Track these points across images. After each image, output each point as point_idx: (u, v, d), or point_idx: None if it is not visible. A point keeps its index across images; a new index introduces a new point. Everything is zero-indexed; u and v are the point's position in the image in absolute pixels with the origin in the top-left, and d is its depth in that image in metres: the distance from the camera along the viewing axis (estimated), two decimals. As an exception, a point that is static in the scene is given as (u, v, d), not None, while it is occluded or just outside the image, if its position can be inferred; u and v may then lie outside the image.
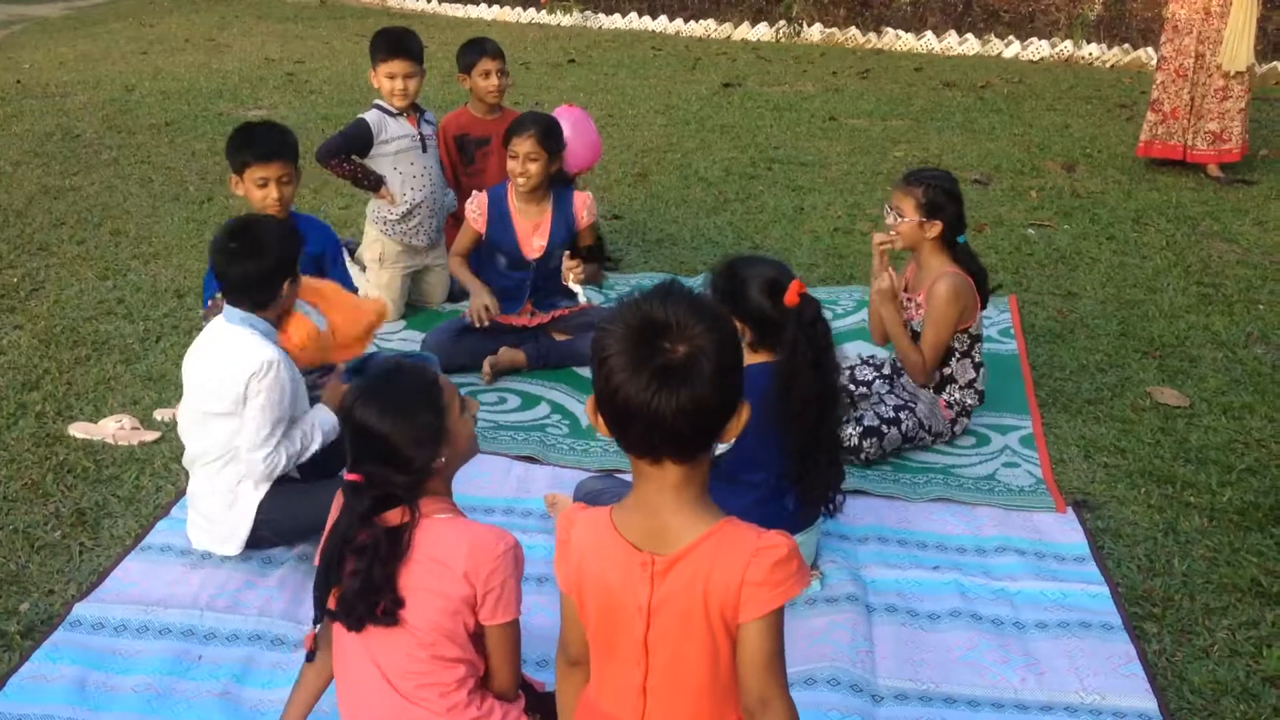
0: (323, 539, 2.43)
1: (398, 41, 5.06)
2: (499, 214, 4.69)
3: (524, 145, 4.57)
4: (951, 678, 2.97)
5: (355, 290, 4.18)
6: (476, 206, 4.74)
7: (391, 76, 5.01)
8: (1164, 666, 3.03)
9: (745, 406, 1.82)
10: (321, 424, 3.37)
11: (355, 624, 2.35)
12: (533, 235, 4.70)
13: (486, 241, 4.73)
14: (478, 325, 4.63)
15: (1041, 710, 2.86)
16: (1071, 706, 2.87)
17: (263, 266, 3.23)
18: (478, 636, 2.40)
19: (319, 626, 2.46)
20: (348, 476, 2.38)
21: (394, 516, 2.36)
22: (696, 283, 5.57)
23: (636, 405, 1.74)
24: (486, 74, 5.38)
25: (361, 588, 2.32)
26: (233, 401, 3.22)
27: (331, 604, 2.37)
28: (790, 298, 3.00)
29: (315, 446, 3.35)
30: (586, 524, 1.95)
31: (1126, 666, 3.00)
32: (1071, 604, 3.27)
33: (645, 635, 1.87)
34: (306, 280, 3.47)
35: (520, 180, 4.60)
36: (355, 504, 2.35)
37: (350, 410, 2.38)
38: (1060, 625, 3.17)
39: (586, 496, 3.48)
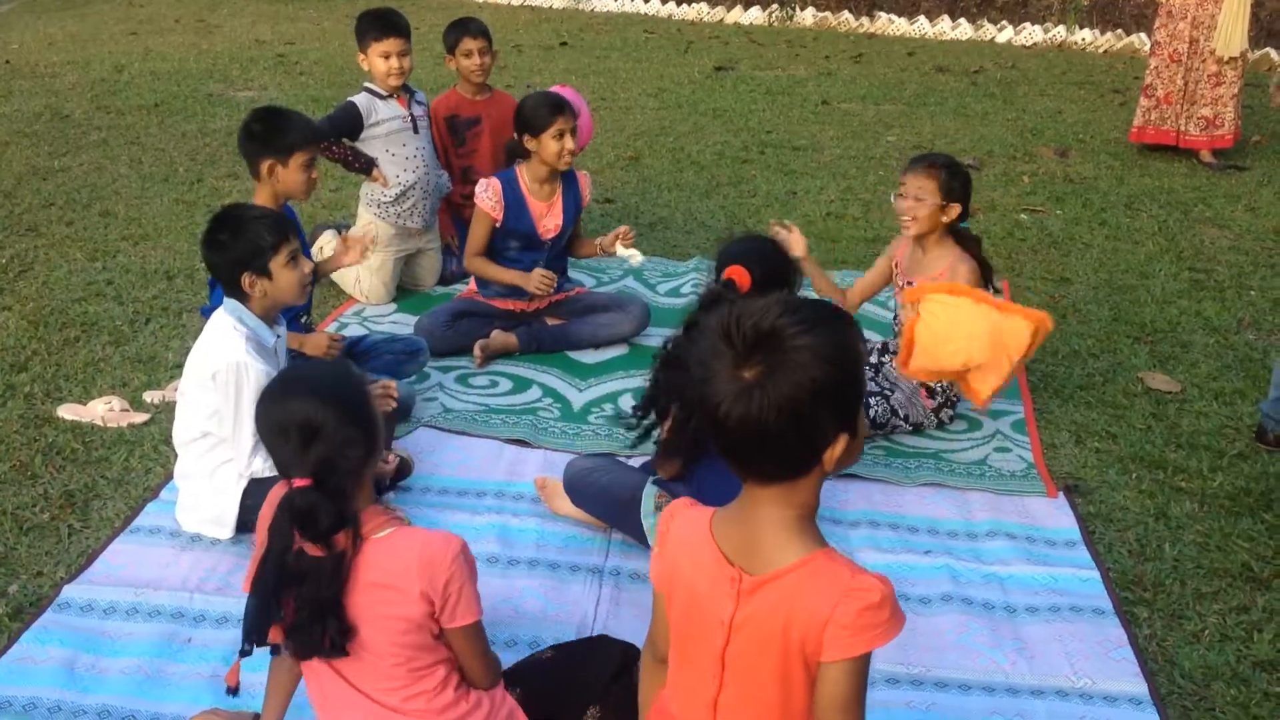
0: (252, 564, 2.26)
1: (389, 20, 5.02)
2: (514, 199, 4.63)
3: (570, 122, 4.54)
4: (943, 662, 2.98)
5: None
6: (491, 194, 4.60)
7: (386, 56, 4.97)
8: (1155, 651, 3.03)
9: (844, 439, 1.72)
10: None
11: (305, 655, 2.24)
12: (546, 216, 4.67)
13: (502, 227, 4.65)
14: (542, 293, 4.63)
15: (1032, 694, 2.86)
16: (1062, 690, 2.87)
17: (221, 256, 3.27)
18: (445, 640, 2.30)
19: (243, 660, 2.32)
20: (298, 484, 2.14)
21: (337, 541, 2.16)
22: (689, 266, 5.58)
23: (722, 416, 1.68)
24: (469, 54, 5.34)
25: (309, 619, 2.16)
26: (198, 388, 3.25)
27: (275, 638, 2.22)
28: None
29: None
30: (686, 524, 1.89)
31: (1117, 651, 3.01)
32: (1062, 588, 3.27)
33: (724, 650, 1.82)
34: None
35: (568, 159, 4.56)
36: (314, 519, 2.13)
37: (281, 409, 2.19)
38: (1051, 609, 3.17)
39: (577, 474, 3.47)
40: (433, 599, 2.19)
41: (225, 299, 3.32)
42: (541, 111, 4.52)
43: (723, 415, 1.68)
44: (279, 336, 3.40)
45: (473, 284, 4.84)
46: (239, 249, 3.24)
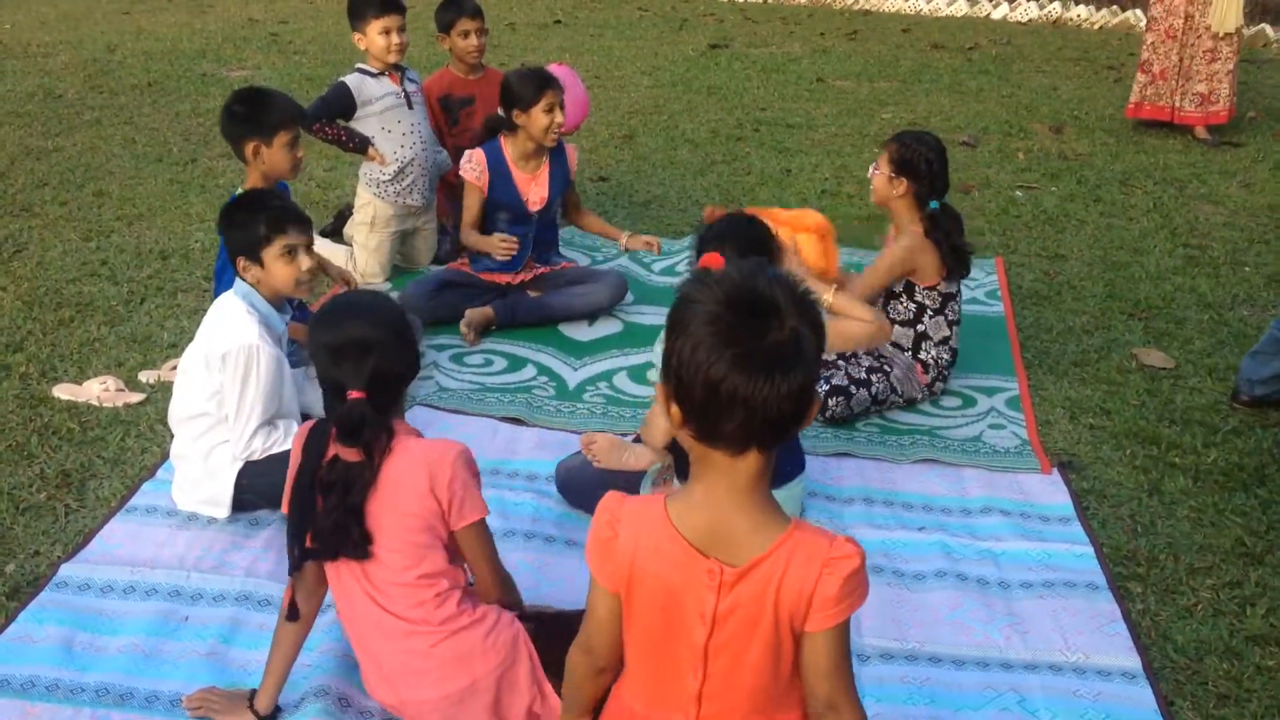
0: (288, 485, 2.49)
1: None
2: (499, 171, 4.64)
3: (559, 96, 4.55)
4: (937, 637, 2.99)
5: None
6: (476, 164, 4.64)
7: (387, 32, 4.94)
8: (1148, 626, 3.05)
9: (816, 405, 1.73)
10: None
11: (330, 555, 2.46)
12: (531, 188, 4.67)
13: (488, 199, 4.67)
14: (504, 257, 4.67)
15: (1026, 669, 2.88)
16: (1056, 665, 2.89)
17: (226, 238, 3.35)
18: (453, 550, 2.51)
19: (295, 577, 2.53)
20: (352, 395, 2.39)
21: (361, 451, 2.42)
22: (684, 244, 5.56)
23: (743, 394, 1.61)
24: (465, 34, 5.32)
25: (335, 523, 2.41)
26: (204, 368, 3.25)
27: (309, 543, 2.46)
28: None
29: (287, 446, 3.32)
30: (639, 519, 1.80)
31: (1110, 626, 3.02)
32: (1056, 564, 3.29)
33: (706, 642, 1.78)
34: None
35: (554, 134, 4.57)
36: (362, 427, 2.38)
37: (339, 331, 2.43)
38: (1045, 585, 3.19)
39: (569, 474, 3.49)
40: (439, 496, 2.43)
41: (237, 282, 3.34)
42: (530, 85, 4.53)
43: (739, 397, 1.62)
44: (285, 323, 3.43)
45: (464, 256, 4.84)
46: (239, 234, 3.30)
